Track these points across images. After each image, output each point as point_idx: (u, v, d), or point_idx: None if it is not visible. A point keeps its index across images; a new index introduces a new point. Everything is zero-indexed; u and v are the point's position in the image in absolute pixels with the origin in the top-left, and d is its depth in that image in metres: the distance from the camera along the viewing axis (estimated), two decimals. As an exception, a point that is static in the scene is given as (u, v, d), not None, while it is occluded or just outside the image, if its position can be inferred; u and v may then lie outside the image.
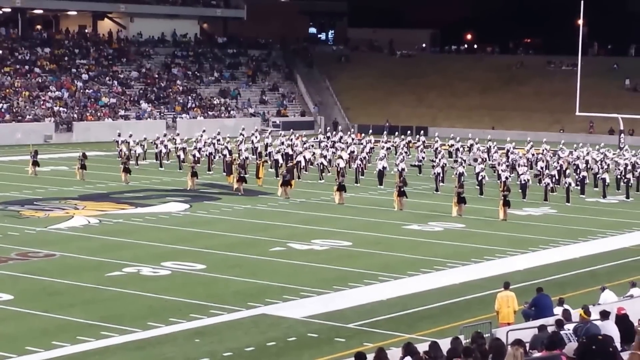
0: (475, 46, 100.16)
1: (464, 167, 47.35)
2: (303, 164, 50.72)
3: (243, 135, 59.55)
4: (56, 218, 36.22)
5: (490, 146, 57.44)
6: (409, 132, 66.45)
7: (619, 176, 46.99)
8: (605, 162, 49.93)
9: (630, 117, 67.64)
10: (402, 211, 39.09)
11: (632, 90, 77.59)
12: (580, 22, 66.34)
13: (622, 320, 17.39)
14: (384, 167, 47.52)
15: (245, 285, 26.33)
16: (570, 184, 43.29)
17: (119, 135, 57.03)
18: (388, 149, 55.69)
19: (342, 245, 32.17)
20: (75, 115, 70.70)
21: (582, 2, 64.38)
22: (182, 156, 53.16)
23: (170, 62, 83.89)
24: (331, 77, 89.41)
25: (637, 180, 47.18)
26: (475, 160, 49.57)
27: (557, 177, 46.36)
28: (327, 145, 56.18)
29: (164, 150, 54.58)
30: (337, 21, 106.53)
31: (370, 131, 64.44)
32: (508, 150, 54.22)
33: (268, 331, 22.01)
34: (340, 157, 49.61)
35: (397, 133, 64.60)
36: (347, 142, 58.83)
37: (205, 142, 54.86)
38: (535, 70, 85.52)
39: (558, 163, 49.30)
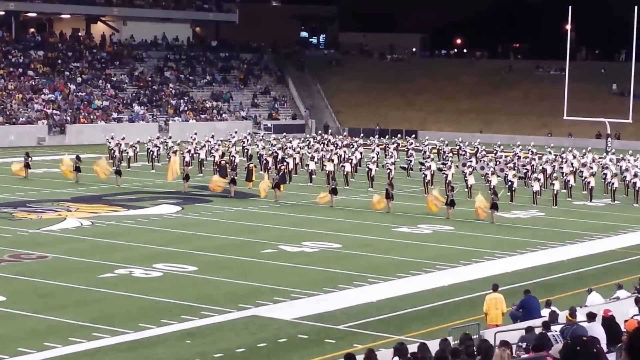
0: (465, 51, 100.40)
1: (451, 168, 47.54)
2: (292, 166, 50.91)
3: (234, 137, 59.76)
4: (49, 220, 36.31)
5: (478, 149, 57.71)
6: (399, 135, 66.76)
7: (607, 180, 47.24)
8: (591, 166, 50.16)
9: (617, 122, 68.02)
10: (392, 213, 39.30)
11: (619, 94, 77.94)
12: (569, 27, 66.65)
13: (609, 322, 17.60)
14: (375, 169, 47.75)
15: (236, 286, 26.49)
16: (556, 187, 43.52)
17: (112, 138, 57.16)
18: (378, 152, 55.87)
19: (332, 247, 32.34)
20: (68, 118, 70.78)
21: (570, 7, 64.72)
22: (172, 159, 53.21)
23: (163, 65, 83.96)
24: (322, 80, 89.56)
25: (626, 186, 47.31)
26: (502, 170, 48.48)
27: (542, 180, 46.60)
28: (318, 149, 56.35)
29: (155, 153, 54.66)
30: (328, 25, 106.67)
31: (362, 134, 64.59)
32: (496, 153, 54.46)
33: (259, 332, 22.15)
34: (331, 160, 49.86)
35: (387, 136, 64.87)
36: (337, 145, 59.03)
37: (197, 145, 55.06)
38: (524, 75, 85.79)
39: (542, 166, 49.58)
